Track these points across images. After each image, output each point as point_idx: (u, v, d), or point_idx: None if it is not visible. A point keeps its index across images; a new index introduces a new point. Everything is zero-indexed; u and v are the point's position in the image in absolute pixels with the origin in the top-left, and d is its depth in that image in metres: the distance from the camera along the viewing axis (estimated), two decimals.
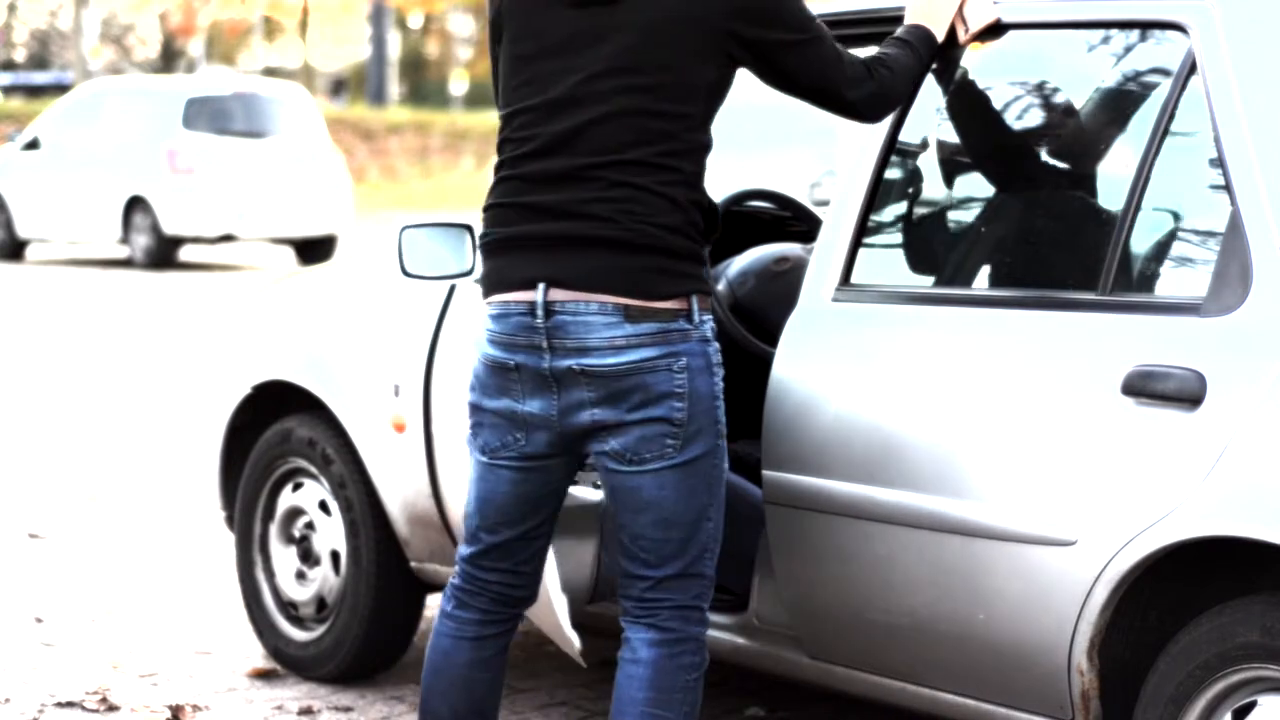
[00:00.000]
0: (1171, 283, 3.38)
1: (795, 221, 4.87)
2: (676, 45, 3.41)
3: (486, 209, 3.52)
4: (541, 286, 3.40)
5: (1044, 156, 3.73)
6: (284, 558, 4.92)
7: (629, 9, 3.40)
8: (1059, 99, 3.73)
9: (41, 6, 52.88)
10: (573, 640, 3.96)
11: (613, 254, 3.39)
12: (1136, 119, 3.52)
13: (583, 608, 4.10)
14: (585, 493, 4.00)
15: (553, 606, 3.93)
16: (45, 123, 20.76)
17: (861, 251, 3.79)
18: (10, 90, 45.72)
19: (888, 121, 3.78)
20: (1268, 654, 3.12)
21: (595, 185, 3.40)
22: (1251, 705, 3.18)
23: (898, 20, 3.88)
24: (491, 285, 3.48)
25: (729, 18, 3.41)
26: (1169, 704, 3.26)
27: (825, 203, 4.15)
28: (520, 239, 3.45)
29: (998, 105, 3.80)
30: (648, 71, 3.39)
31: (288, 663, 4.91)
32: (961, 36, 3.69)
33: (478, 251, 4.09)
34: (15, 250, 20.61)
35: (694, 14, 3.40)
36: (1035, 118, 3.76)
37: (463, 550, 3.60)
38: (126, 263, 19.61)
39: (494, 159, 3.58)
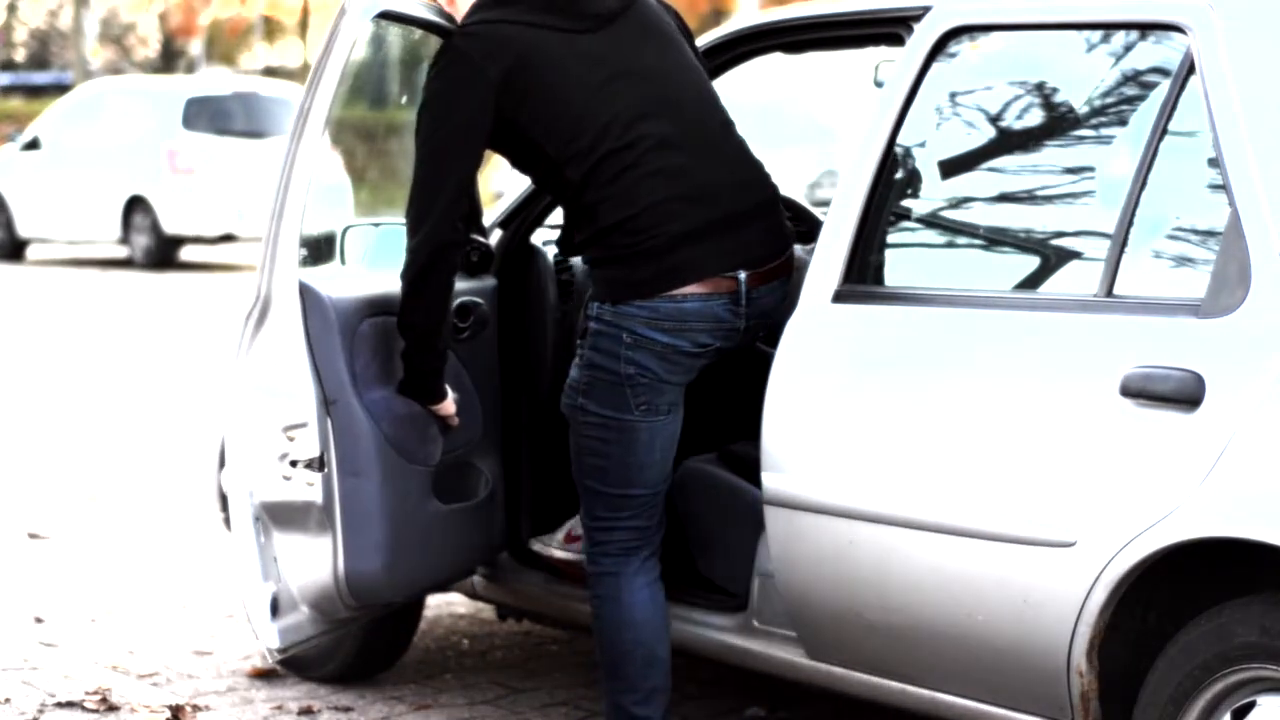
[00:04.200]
0: (1170, 283, 3.38)
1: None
2: (675, 38, 3.92)
3: (635, 216, 3.74)
4: (743, 275, 3.79)
5: (1043, 157, 3.72)
6: None
7: (629, 22, 3.85)
8: (1058, 99, 3.73)
9: (41, 6, 52.86)
10: (270, 635, 4.12)
11: (774, 213, 3.93)
12: (1135, 119, 3.52)
13: (341, 609, 4.14)
14: (303, 492, 4.02)
15: (248, 599, 4.12)
16: (45, 123, 20.76)
17: (861, 252, 3.79)
18: (10, 90, 45.69)
19: (888, 122, 3.78)
20: (1267, 654, 3.13)
21: (727, 156, 3.85)
22: (1251, 705, 3.18)
23: (897, 21, 3.88)
24: (683, 278, 3.75)
25: (684, 28, 4.01)
26: (1168, 704, 3.26)
27: (825, 203, 4.16)
28: (698, 231, 3.76)
29: (997, 105, 3.80)
30: (677, 62, 3.88)
31: (288, 663, 4.91)
32: None
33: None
34: (15, 250, 20.60)
35: (668, 19, 3.95)
36: (1034, 118, 3.76)
37: (619, 514, 3.89)
38: (126, 263, 19.61)
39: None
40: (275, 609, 4.17)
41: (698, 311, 3.77)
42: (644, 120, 3.78)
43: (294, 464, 4.01)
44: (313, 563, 4.08)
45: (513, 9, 3.82)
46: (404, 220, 3.99)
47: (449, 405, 4.09)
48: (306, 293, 4.00)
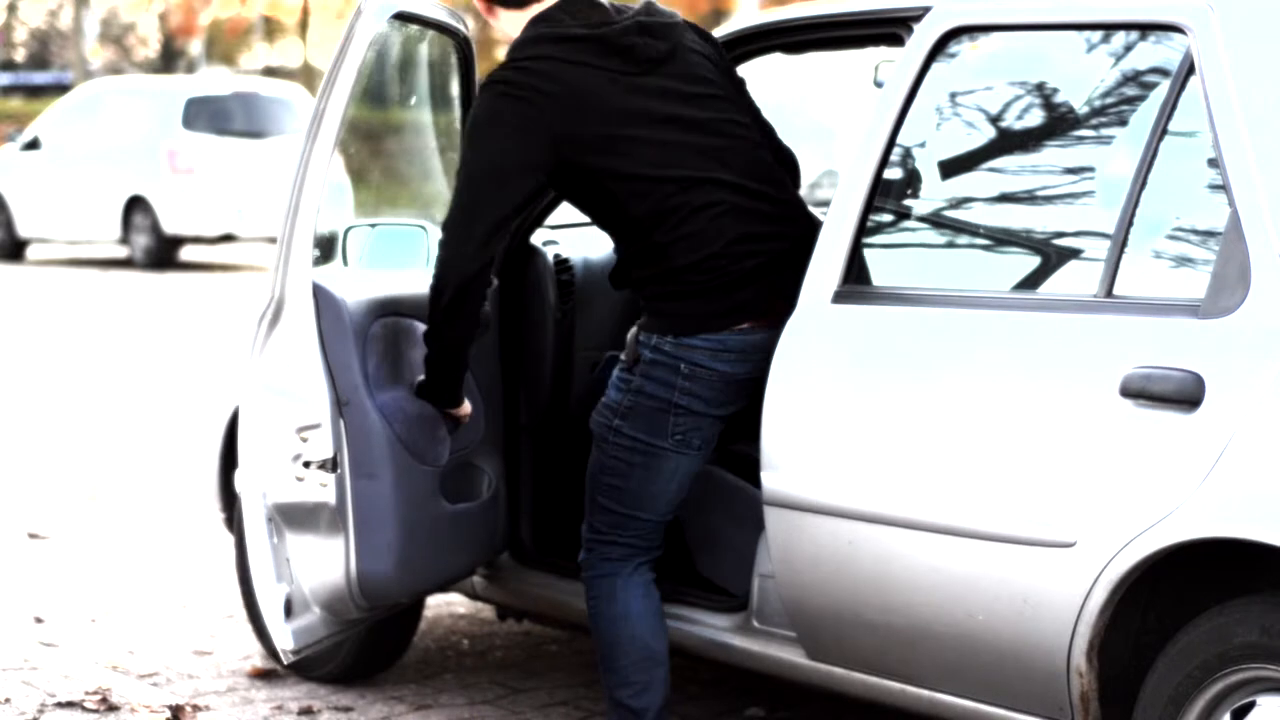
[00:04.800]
0: (1170, 284, 3.38)
1: None
2: (718, 77, 3.92)
3: (712, 255, 3.79)
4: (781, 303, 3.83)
5: (1043, 157, 3.72)
6: None
7: (677, 64, 3.87)
8: (1058, 99, 3.73)
9: (41, 6, 52.88)
10: (284, 636, 4.11)
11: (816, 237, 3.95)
12: (1135, 120, 3.52)
13: (352, 609, 4.15)
14: (316, 493, 4.02)
15: (262, 601, 4.10)
16: (45, 123, 20.76)
17: (861, 252, 3.79)
18: (10, 90, 45.70)
19: (888, 122, 3.78)
20: (1266, 654, 3.13)
21: (779, 191, 3.95)
22: (1250, 705, 3.18)
23: (896, 21, 3.89)
24: (753, 313, 3.84)
25: (723, 57, 4.02)
26: (1168, 704, 3.26)
27: (825, 203, 4.16)
28: (766, 266, 3.84)
29: (997, 106, 3.80)
30: (727, 99, 3.92)
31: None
32: None
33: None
34: (15, 250, 20.61)
35: (708, 50, 3.97)
36: (1034, 118, 3.76)
37: (620, 532, 3.92)
38: (126, 263, 19.61)
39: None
40: (289, 610, 4.16)
41: (761, 342, 3.82)
42: (705, 164, 3.81)
43: (307, 465, 4.01)
44: (324, 564, 4.08)
45: (568, 47, 3.81)
46: (408, 221, 4.00)
47: (467, 407, 4.12)
48: (320, 293, 4.00)
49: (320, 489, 4.01)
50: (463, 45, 4.38)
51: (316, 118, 4.00)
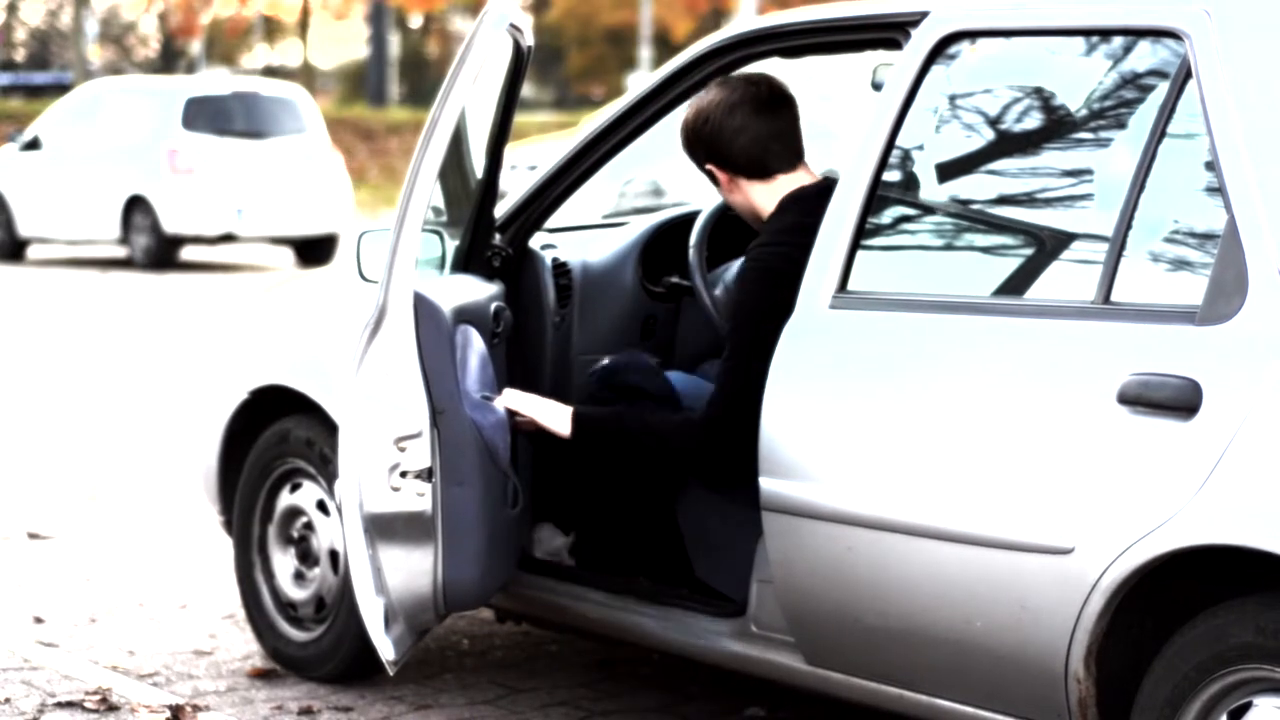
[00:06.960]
0: (1167, 291, 3.38)
1: None
2: None
3: None
4: None
5: (1040, 163, 3.73)
6: (283, 559, 4.93)
7: None
8: (1056, 105, 3.74)
9: (41, 6, 52.91)
10: (386, 647, 4.10)
11: None
12: (1133, 126, 3.53)
13: (432, 618, 4.16)
14: (412, 503, 4.03)
15: (364, 613, 4.09)
16: (45, 123, 20.76)
17: (859, 257, 3.79)
18: (10, 90, 45.70)
19: (885, 128, 3.79)
20: (1262, 654, 3.14)
21: None
22: (1247, 706, 3.19)
23: (894, 26, 3.89)
24: None
25: None
26: (1165, 706, 3.27)
27: None
28: None
29: (995, 111, 3.81)
30: None
31: (288, 663, 4.92)
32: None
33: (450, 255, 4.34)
34: (15, 250, 20.60)
35: None
36: (1032, 124, 3.77)
37: None
38: (126, 263, 19.62)
39: None
40: (387, 621, 4.15)
41: None
42: None
43: (404, 475, 4.01)
44: (411, 572, 4.07)
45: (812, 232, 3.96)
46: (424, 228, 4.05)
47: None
48: (421, 302, 4.00)
49: (417, 499, 4.01)
50: (524, 56, 4.42)
51: (431, 126, 3.99)
